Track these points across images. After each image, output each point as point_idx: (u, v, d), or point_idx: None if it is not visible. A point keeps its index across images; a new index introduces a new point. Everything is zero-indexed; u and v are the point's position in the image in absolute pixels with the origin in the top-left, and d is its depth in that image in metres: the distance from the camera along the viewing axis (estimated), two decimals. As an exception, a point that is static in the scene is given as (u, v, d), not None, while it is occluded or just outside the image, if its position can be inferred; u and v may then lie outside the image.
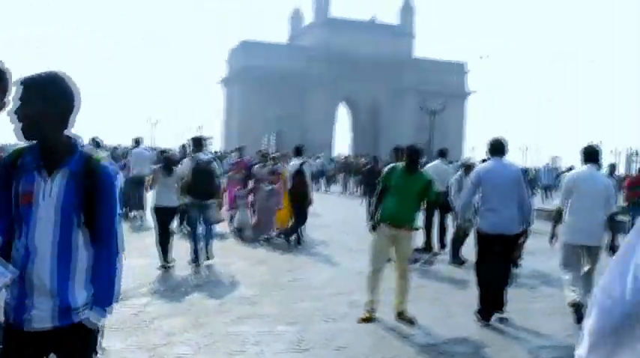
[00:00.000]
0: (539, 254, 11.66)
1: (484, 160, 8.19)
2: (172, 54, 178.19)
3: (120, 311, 6.44)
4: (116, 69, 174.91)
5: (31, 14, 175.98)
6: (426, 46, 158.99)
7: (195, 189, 9.20)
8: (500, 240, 6.73)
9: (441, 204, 11.21)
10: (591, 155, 7.11)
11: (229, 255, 10.47)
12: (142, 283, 7.86)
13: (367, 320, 6.54)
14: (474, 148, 69.65)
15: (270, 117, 80.00)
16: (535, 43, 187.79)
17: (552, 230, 7.33)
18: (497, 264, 6.85)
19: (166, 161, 9.45)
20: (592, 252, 7.02)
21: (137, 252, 9.67)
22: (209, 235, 9.66)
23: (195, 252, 9.25)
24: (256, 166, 12.91)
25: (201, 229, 9.50)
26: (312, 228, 12.56)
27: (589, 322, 1.49)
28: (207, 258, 9.46)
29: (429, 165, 12.78)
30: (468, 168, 10.81)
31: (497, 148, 6.97)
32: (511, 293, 7.98)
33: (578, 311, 6.59)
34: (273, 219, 12.23)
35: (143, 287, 7.63)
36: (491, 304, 6.78)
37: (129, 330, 5.83)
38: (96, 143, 15.50)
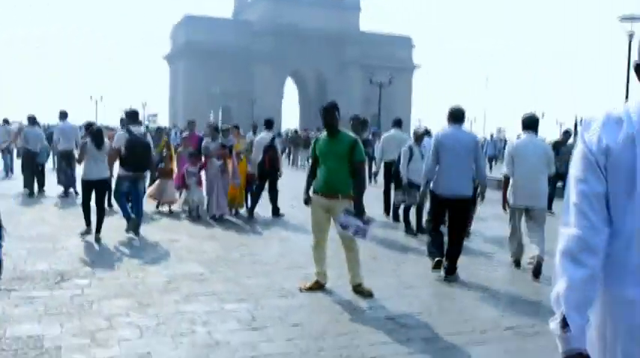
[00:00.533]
0: (492, 220, 11.64)
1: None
2: (117, 30, 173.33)
3: (57, 294, 6.01)
4: (55, 44, 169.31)
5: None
6: (372, 20, 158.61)
7: (129, 162, 9.31)
8: (453, 202, 7.15)
9: (393, 172, 11.10)
10: (530, 123, 7.66)
11: (176, 231, 10.04)
12: (81, 264, 7.39)
13: (313, 288, 6.48)
14: (420, 120, 70.33)
15: (216, 92, 78.67)
16: (481, 19, 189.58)
17: (503, 196, 7.93)
18: (450, 227, 7.30)
19: (96, 134, 9.27)
20: (537, 214, 7.66)
21: (74, 232, 9.27)
22: (140, 209, 9.61)
23: (128, 219, 9.30)
24: (206, 140, 12.33)
25: (130, 204, 9.63)
26: (261, 204, 12.18)
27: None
28: (135, 234, 9.26)
29: (385, 134, 12.78)
30: (418, 137, 10.61)
31: (456, 116, 7.25)
32: (467, 262, 7.88)
33: (517, 262, 7.94)
34: (225, 196, 11.64)
35: (82, 269, 7.14)
36: (441, 247, 7.34)
37: (67, 315, 5.38)
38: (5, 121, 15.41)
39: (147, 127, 16.46)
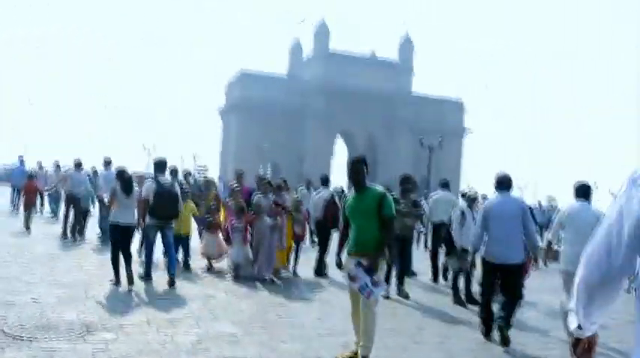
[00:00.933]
0: (545, 293, 10.92)
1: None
2: (172, 81, 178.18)
3: (79, 348, 5.64)
4: (117, 83, 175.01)
5: (31, 14, 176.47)
6: (423, 81, 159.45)
7: (157, 211, 9.43)
8: (504, 269, 7.18)
9: (442, 236, 10.67)
10: (583, 191, 7.57)
11: (214, 286, 9.67)
12: (110, 315, 7.04)
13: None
14: (469, 184, 69.24)
15: (266, 147, 79.29)
16: (532, 83, 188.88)
17: (545, 255, 8.10)
18: (504, 292, 7.32)
19: (126, 181, 9.42)
20: None
21: (108, 280, 9.08)
22: (172, 258, 9.69)
23: (148, 266, 9.53)
24: (257, 195, 11.21)
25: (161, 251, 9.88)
26: (304, 263, 11.73)
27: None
28: (171, 283, 9.30)
29: (433, 195, 12.59)
30: (472, 200, 10.13)
31: (502, 182, 7.41)
32: (522, 338, 7.26)
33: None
34: (274, 257, 10.74)
35: (110, 320, 6.78)
36: (491, 317, 7.27)
37: (86, 372, 5.00)
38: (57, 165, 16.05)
39: (195, 180, 16.22)
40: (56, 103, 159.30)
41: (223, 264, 11.50)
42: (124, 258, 9.07)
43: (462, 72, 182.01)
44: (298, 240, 11.77)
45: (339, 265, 6.16)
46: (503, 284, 7.32)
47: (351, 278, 5.73)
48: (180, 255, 11.28)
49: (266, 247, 10.61)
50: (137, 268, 9.93)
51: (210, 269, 11.27)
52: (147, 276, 9.51)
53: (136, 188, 9.68)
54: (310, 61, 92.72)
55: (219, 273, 10.97)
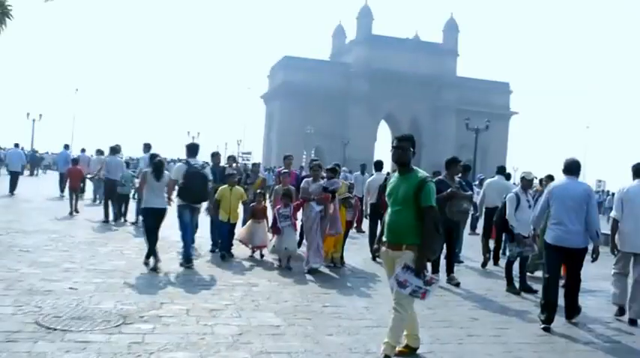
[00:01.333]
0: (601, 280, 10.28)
1: None
2: (214, 67, 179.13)
3: (114, 339, 5.36)
4: (158, 81, 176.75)
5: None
6: (468, 64, 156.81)
7: (187, 193, 9.48)
8: (567, 252, 7.09)
9: (496, 222, 10.19)
10: None
11: (256, 274, 9.35)
12: (149, 305, 6.74)
13: (404, 353, 5.49)
14: (516, 168, 67.57)
15: (309, 132, 78.88)
16: (583, 64, 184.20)
17: (612, 241, 7.94)
18: (567, 276, 7.38)
19: (157, 165, 9.48)
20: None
21: (142, 267, 8.93)
22: (190, 239, 9.74)
23: (187, 250, 9.51)
24: (306, 180, 10.41)
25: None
26: (351, 250, 11.28)
27: None
28: (187, 266, 9.30)
29: (488, 180, 12.39)
30: (527, 184, 9.55)
31: (567, 168, 7.31)
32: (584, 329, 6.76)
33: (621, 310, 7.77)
34: (321, 246, 9.91)
35: (148, 311, 6.49)
36: (553, 308, 7.04)
37: (121, 366, 4.70)
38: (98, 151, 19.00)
39: (237, 164, 15.77)
40: (103, 92, 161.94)
41: (269, 255, 10.73)
42: (154, 241, 9.16)
43: (508, 53, 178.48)
44: (348, 227, 11.28)
45: (375, 253, 5.68)
46: (567, 269, 7.33)
47: (400, 283, 5.17)
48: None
49: (313, 236, 9.84)
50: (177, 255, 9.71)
51: (252, 255, 10.88)
52: (187, 262, 9.36)
53: (166, 172, 9.66)
54: (353, 45, 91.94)
55: (264, 263, 10.49)
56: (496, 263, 11.48)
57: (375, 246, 5.81)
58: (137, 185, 12.28)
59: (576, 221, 6.99)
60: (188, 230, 9.60)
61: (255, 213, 10.94)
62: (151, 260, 9.09)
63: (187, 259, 9.39)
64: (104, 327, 5.72)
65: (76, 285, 7.49)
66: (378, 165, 13.34)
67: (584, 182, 7.69)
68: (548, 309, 6.99)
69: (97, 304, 6.60)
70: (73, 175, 16.83)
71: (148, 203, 9.26)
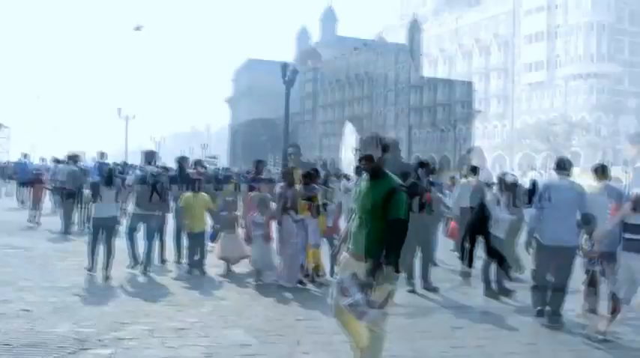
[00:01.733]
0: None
1: None
2: (179, 72, 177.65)
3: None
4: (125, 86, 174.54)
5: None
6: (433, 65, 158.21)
7: (141, 200, 9.59)
8: (556, 251, 7.10)
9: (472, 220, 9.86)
10: None
11: (225, 287, 8.86)
12: (109, 326, 6.27)
13: None
14: (502, 167, 67.88)
15: (275, 135, 78.37)
16: None
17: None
18: (555, 276, 7.27)
19: (107, 173, 9.56)
20: None
21: (113, 283, 8.39)
22: (149, 246, 9.65)
23: (134, 256, 9.60)
24: (280, 185, 9.51)
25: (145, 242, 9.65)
26: (325, 257, 10.75)
27: None
28: (145, 270, 9.39)
29: (462, 180, 12.45)
30: (508, 186, 9.29)
31: (559, 165, 7.48)
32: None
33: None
34: (297, 262, 8.96)
35: (108, 333, 6.01)
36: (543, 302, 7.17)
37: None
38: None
39: (205, 168, 15.13)
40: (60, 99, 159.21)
41: (245, 267, 9.78)
42: (107, 250, 9.05)
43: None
44: (332, 232, 9.66)
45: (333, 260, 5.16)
46: (555, 268, 7.28)
47: (342, 290, 4.49)
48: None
49: (288, 249, 8.92)
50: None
51: (229, 272, 9.74)
52: (137, 263, 9.58)
53: (116, 179, 9.67)
54: (318, 47, 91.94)
55: (238, 278, 9.48)
56: (470, 265, 11.18)
57: (335, 250, 5.24)
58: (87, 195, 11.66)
59: (568, 220, 7.09)
60: (133, 236, 9.70)
61: (226, 224, 9.90)
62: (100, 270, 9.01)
63: (137, 261, 9.60)
64: (58, 354, 5.24)
65: (30, 306, 6.96)
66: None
67: (574, 181, 7.58)
68: (539, 292, 7.31)
69: (52, 327, 6.09)
70: (37, 186, 16.48)
71: (98, 213, 9.23)
